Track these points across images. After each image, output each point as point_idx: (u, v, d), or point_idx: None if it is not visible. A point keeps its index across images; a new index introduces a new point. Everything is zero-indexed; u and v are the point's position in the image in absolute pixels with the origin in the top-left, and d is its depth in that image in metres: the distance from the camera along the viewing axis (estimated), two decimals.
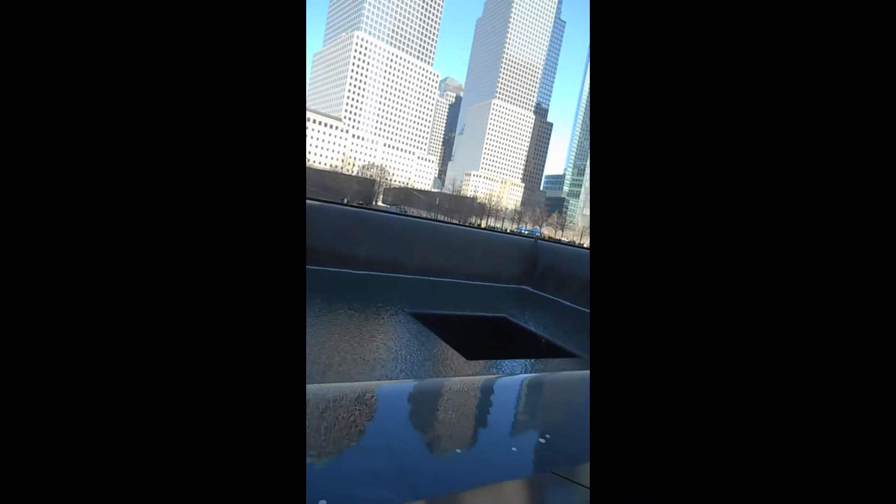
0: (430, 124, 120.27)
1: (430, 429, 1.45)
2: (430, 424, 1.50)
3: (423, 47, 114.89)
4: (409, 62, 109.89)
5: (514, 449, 1.34)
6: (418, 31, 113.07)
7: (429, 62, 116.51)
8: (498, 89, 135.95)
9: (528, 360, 8.77)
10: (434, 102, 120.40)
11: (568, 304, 15.15)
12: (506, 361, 8.41)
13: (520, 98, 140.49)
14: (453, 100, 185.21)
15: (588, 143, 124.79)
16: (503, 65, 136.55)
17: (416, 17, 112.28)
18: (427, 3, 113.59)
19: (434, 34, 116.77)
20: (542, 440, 1.49)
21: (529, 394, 2.10)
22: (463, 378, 2.17)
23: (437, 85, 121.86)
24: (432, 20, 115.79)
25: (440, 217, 63.73)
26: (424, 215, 52.61)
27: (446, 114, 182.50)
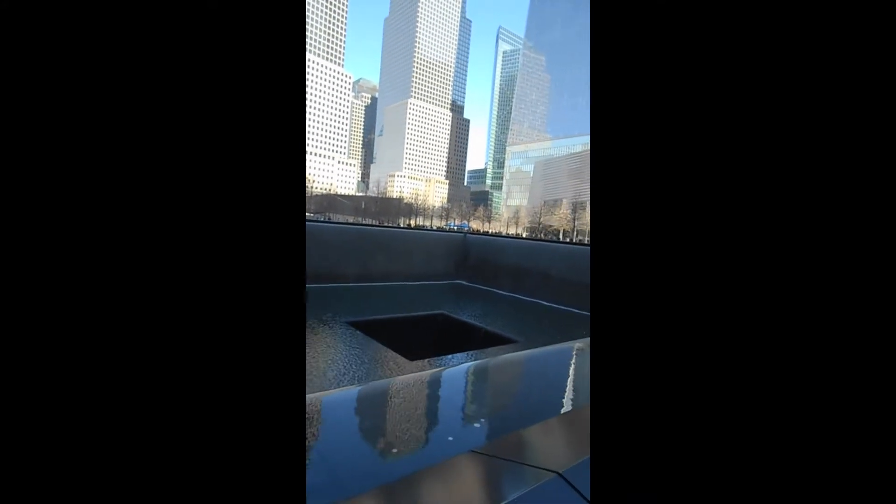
0: (348, 127, 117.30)
1: (365, 431, 1.47)
2: (366, 427, 1.51)
3: (332, 48, 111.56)
4: (318, 64, 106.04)
5: (450, 438, 1.40)
6: (324, 32, 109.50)
7: (339, 63, 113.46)
8: (413, 88, 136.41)
9: (470, 352, 9.00)
10: (349, 104, 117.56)
11: (501, 293, 15.75)
12: (448, 356, 8.54)
13: (435, 96, 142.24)
14: (369, 101, 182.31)
15: (504, 136, 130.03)
16: (416, 64, 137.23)
17: (320, 16, 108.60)
18: (330, 2, 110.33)
19: (342, 34, 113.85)
20: (477, 424, 1.57)
21: (466, 383, 2.19)
22: (403, 377, 2.21)
23: (351, 86, 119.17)
24: (338, 20, 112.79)
25: (367, 221, 62.63)
26: (351, 220, 51.39)
27: (363, 116, 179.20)
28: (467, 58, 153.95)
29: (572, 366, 2.58)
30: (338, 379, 6.38)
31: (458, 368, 3.32)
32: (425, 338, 10.62)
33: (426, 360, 7.79)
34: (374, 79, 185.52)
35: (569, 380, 2.34)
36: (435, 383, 2.12)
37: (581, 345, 2.91)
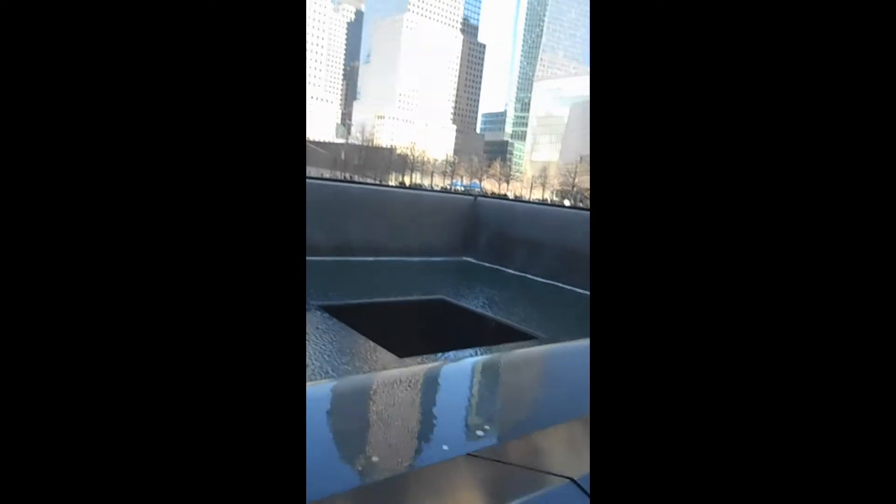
0: (324, 51, 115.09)
1: (352, 430, 1.60)
2: (356, 425, 1.64)
3: None
4: None
5: (444, 448, 1.52)
6: None
7: None
8: (411, 0, 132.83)
9: (475, 349, 9.14)
10: (326, 20, 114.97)
11: (517, 273, 15.81)
12: (448, 354, 8.68)
13: (440, 12, 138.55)
14: (352, 17, 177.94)
15: (532, 68, 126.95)
16: None
17: None
18: None
19: None
20: (481, 433, 1.69)
21: (472, 382, 2.30)
22: (395, 370, 2.32)
23: None
24: None
25: (348, 176, 62.35)
26: (328, 175, 51.14)
27: (345, 36, 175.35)
28: None
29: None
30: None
31: (456, 365, 3.44)
32: (419, 330, 10.77)
33: (420, 358, 7.93)
34: None
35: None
36: (434, 381, 2.23)
37: None
